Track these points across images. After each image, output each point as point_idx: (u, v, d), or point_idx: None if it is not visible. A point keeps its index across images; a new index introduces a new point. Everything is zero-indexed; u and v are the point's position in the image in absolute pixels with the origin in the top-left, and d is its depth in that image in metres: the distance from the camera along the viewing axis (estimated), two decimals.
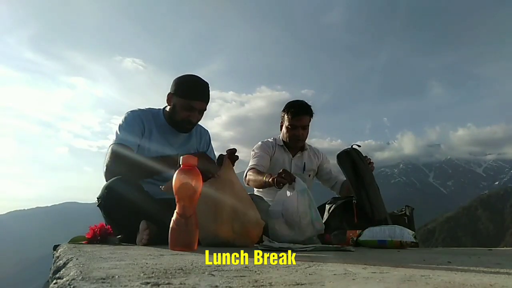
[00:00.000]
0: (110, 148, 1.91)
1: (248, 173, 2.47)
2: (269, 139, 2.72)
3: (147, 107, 2.13)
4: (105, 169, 1.86)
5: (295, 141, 2.62)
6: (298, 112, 2.56)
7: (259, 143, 2.68)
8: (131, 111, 2.06)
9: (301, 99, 2.66)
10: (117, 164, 1.83)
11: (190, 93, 1.95)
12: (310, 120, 2.62)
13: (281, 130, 2.71)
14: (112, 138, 1.97)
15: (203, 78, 2.00)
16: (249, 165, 2.55)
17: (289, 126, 2.59)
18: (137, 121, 2.00)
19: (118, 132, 1.95)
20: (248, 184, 2.45)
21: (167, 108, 2.06)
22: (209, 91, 2.02)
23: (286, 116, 2.61)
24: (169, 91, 2.01)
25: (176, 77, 2.03)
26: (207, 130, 2.28)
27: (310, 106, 2.62)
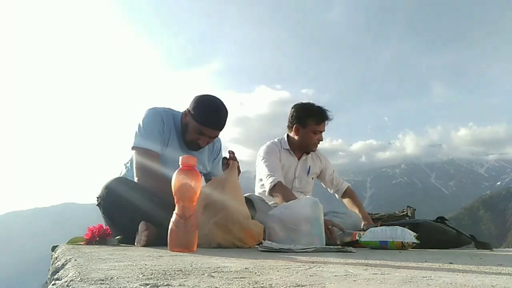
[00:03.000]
0: (136, 156, 1.82)
1: (276, 188, 2.31)
2: (274, 141, 2.61)
3: (167, 107, 2.02)
4: (136, 180, 1.81)
5: (316, 146, 2.58)
6: (324, 118, 2.51)
7: (266, 148, 2.55)
8: (152, 108, 1.95)
9: (311, 102, 2.57)
10: (147, 181, 1.77)
11: (205, 120, 1.86)
12: None
13: (296, 133, 2.55)
14: (131, 133, 1.88)
15: (223, 104, 1.90)
16: (268, 175, 2.37)
17: (313, 133, 2.50)
18: (159, 121, 1.90)
19: (140, 133, 1.86)
20: (272, 196, 2.35)
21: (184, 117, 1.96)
22: (226, 120, 1.91)
23: (310, 120, 2.49)
24: (187, 108, 1.91)
25: (198, 95, 1.92)
26: (219, 138, 2.16)
27: None
